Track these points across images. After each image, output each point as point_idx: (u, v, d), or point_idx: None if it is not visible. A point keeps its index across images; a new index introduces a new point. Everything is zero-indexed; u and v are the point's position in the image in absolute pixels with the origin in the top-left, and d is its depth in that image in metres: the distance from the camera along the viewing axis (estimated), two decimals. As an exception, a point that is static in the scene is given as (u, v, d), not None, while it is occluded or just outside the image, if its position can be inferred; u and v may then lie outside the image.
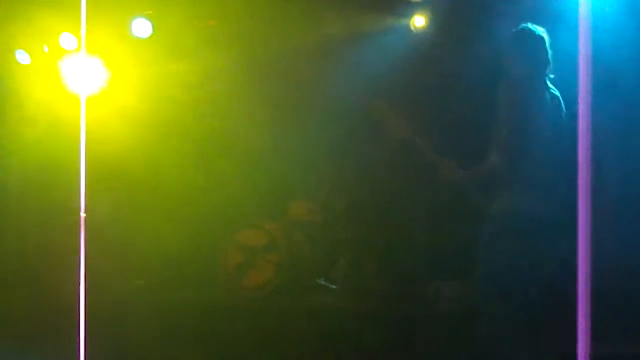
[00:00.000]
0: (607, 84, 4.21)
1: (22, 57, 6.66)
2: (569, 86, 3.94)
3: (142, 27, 6.40)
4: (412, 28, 6.42)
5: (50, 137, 6.79)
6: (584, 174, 3.00)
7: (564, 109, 4.06)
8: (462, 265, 6.25)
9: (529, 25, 4.10)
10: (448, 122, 6.33)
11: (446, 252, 6.33)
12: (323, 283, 6.99)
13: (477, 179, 4.07)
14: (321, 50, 6.64)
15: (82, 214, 7.38)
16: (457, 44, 6.20)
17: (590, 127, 3.31)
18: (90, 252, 7.08)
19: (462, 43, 6.16)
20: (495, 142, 3.94)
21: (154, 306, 6.52)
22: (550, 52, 4.06)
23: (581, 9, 4.07)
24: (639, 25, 4.97)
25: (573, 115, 3.89)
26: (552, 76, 4.04)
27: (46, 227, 7.32)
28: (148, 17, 6.43)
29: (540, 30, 4.06)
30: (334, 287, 6.90)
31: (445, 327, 5.94)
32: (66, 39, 6.39)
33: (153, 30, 6.43)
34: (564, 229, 3.86)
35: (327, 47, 6.62)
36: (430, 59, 6.35)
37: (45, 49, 6.50)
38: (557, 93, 4.03)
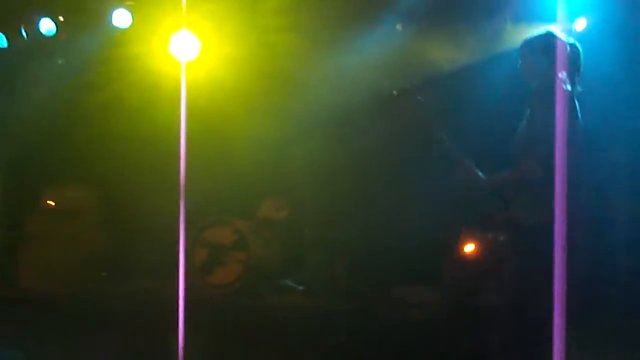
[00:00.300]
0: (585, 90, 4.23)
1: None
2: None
3: (122, 17, 6.39)
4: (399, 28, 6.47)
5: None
6: (560, 179, 3.06)
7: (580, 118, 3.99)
8: (431, 270, 6.34)
9: (548, 30, 4.00)
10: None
11: (417, 257, 6.36)
12: (290, 284, 6.99)
13: (501, 185, 3.98)
14: (301, 49, 6.67)
15: (50, 202, 7.37)
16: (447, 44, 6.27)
17: (565, 133, 3.36)
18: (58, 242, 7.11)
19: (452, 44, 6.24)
20: (524, 150, 3.85)
21: (119, 298, 6.50)
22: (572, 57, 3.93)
23: (559, 18, 4.16)
24: (616, 35, 5.08)
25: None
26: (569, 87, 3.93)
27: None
28: (128, 8, 6.42)
29: (562, 35, 3.98)
30: (300, 288, 6.91)
31: (411, 331, 5.99)
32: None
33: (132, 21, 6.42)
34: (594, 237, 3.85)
35: (307, 47, 6.64)
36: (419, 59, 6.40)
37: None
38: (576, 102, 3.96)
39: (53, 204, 7.32)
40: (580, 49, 3.99)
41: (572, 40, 3.97)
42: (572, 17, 4.78)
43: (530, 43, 4.02)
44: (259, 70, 6.72)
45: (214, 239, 6.88)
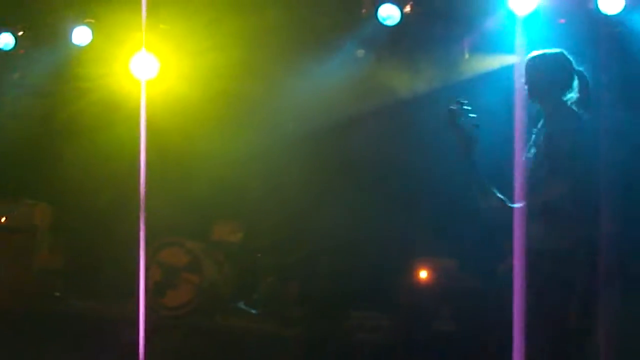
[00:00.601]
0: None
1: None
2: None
3: (82, 35, 6.35)
4: (359, 54, 6.57)
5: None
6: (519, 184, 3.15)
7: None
8: (384, 295, 6.38)
9: (541, 51, 4.04)
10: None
11: (374, 282, 6.40)
12: (243, 307, 6.94)
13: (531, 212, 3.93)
14: (260, 71, 6.70)
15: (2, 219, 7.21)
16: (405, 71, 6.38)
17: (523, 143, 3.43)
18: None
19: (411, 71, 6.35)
20: (546, 173, 3.81)
21: (70, 316, 6.38)
22: (571, 74, 3.98)
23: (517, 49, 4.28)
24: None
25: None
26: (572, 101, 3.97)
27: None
28: (89, 26, 6.37)
29: (553, 55, 4.02)
30: (254, 311, 6.86)
31: (367, 357, 6.01)
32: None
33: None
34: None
35: (266, 68, 6.68)
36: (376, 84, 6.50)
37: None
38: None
39: (4, 220, 7.17)
40: (588, 78, 4.04)
41: (581, 68, 4.04)
42: (529, 48, 4.90)
43: (533, 62, 4.01)
44: (218, 91, 6.73)
45: (167, 260, 6.80)
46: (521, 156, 3.87)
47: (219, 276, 6.93)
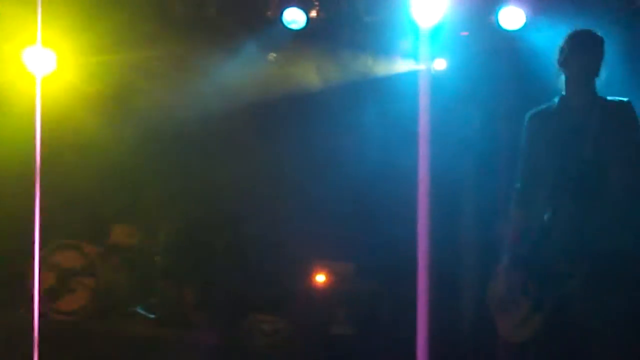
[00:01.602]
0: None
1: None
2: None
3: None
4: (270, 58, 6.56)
5: None
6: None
7: None
8: (281, 300, 6.40)
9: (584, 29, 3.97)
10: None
11: (268, 284, 6.40)
12: (141, 312, 6.79)
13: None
14: (157, 69, 6.57)
15: None
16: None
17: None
18: None
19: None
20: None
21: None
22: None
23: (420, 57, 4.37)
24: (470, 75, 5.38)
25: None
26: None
27: None
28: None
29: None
30: (152, 316, 6.72)
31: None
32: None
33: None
34: None
35: (165, 67, 6.57)
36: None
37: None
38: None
39: None
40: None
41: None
42: (431, 57, 5.00)
43: (593, 39, 3.91)
44: (117, 89, 6.59)
45: (61, 263, 6.60)
46: (425, 159, 3.93)
47: (115, 280, 6.77)
